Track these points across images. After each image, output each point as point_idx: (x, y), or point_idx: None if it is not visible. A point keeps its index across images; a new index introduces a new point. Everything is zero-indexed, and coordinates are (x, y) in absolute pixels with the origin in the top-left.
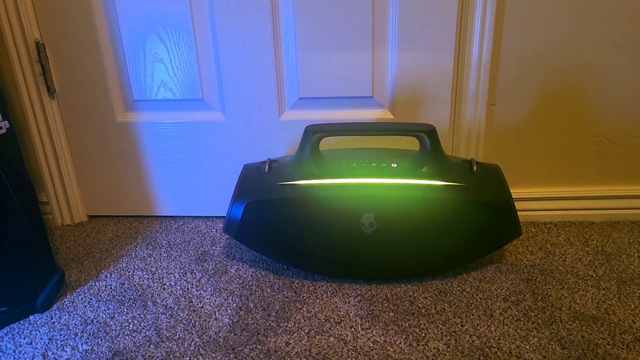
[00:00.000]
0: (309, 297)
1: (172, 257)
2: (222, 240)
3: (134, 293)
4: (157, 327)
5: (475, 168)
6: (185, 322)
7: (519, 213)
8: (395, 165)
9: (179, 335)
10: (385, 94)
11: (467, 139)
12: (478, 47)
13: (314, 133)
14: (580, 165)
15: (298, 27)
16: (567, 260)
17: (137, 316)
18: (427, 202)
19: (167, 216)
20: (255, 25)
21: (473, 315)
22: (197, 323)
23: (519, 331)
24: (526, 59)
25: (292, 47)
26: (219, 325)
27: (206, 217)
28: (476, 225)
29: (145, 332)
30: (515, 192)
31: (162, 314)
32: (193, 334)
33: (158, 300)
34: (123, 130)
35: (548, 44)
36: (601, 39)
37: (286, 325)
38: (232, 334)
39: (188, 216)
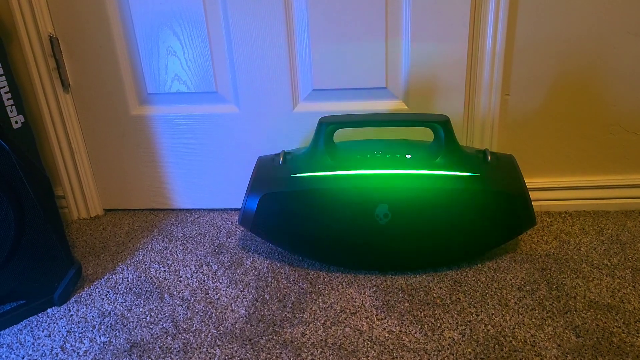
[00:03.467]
0: (325, 288)
1: (188, 250)
2: (237, 232)
3: (151, 285)
4: (173, 319)
5: (489, 158)
6: (201, 314)
7: (533, 203)
8: (410, 156)
9: (195, 326)
10: (399, 84)
11: (481, 129)
12: (492, 36)
13: (327, 124)
14: (595, 154)
15: (311, 18)
16: (581, 249)
17: (154, 308)
18: (442, 193)
19: (183, 209)
20: (268, 17)
21: (488, 305)
22: (213, 314)
23: (533, 320)
24: (540, 48)
25: (305, 38)
26: (235, 317)
27: (221, 209)
28: (491, 215)
29: (162, 324)
30: (529, 181)
31: (178, 306)
32: (210, 325)
33: (175, 293)
34: (138, 123)
35: (562, 32)
36: (617, 27)
37: (302, 316)
38: (249, 325)
39: (204, 209)
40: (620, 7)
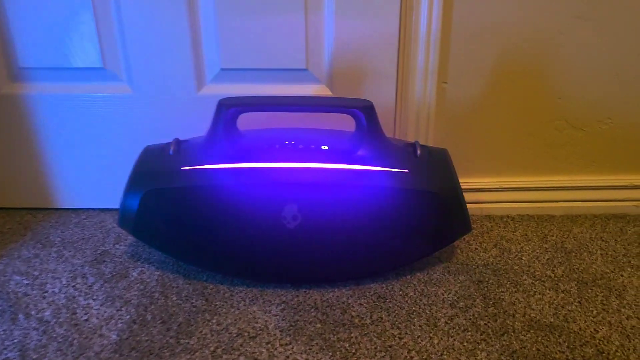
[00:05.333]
0: (223, 305)
1: (64, 258)
2: (128, 237)
3: (5, 303)
4: (23, 346)
5: (419, 152)
6: (60, 340)
7: (472, 205)
8: (326, 147)
9: (48, 357)
10: (321, 66)
11: (415, 120)
12: (427, 15)
13: (227, 107)
14: (539, 152)
15: None
16: (523, 258)
17: (2, 333)
18: (362, 191)
19: (69, 209)
20: None
21: (414, 325)
22: (75, 341)
23: (465, 344)
24: (480, 33)
25: (211, 9)
26: (102, 344)
27: (114, 209)
28: (419, 219)
29: (6, 354)
30: (468, 181)
31: (33, 330)
32: (67, 355)
33: (33, 312)
34: (8, 104)
35: (504, 16)
36: (562, 11)
37: (187, 342)
38: (117, 355)
39: (93, 209)
40: None
